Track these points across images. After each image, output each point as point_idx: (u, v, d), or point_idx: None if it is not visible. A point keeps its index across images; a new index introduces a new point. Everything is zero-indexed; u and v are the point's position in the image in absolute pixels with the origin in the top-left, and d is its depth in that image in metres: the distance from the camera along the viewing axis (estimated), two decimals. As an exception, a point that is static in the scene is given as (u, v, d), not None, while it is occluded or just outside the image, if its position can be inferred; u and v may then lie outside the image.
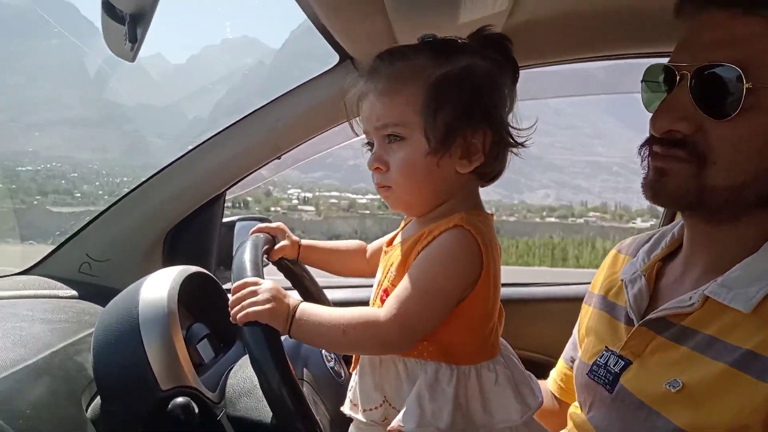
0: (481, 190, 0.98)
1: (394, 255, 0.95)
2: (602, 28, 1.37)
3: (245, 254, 0.93)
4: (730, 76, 0.74)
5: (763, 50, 0.74)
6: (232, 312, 0.84)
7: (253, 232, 1.07)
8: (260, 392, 0.81)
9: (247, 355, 0.85)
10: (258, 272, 0.89)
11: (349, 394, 0.98)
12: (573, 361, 1.14)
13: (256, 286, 0.84)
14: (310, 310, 0.85)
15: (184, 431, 0.89)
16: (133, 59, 0.87)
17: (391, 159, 0.90)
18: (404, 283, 0.86)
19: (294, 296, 0.88)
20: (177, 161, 1.52)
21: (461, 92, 0.86)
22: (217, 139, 1.51)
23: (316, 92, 1.47)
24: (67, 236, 1.51)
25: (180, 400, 0.88)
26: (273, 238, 1.09)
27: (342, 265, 1.16)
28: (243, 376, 1.02)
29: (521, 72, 0.99)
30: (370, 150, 0.95)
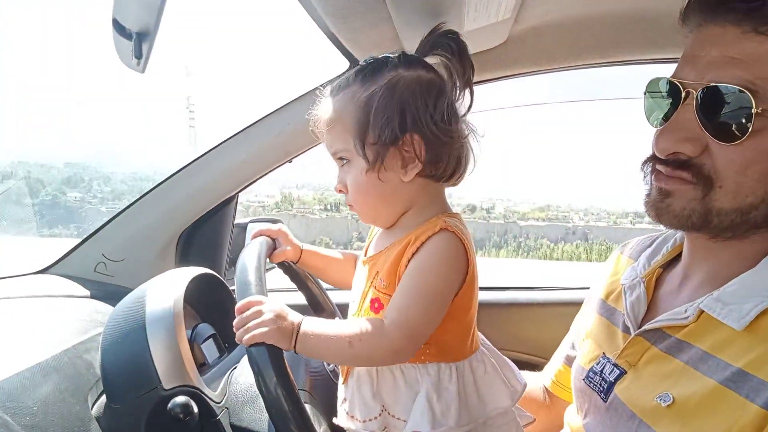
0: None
1: (379, 263, 0.96)
2: (611, 34, 1.36)
3: (248, 268, 0.92)
4: (739, 99, 0.71)
5: None
6: (237, 333, 0.84)
7: (255, 236, 1.09)
8: (263, 403, 0.82)
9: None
10: (261, 288, 0.89)
11: (344, 406, 0.98)
12: (569, 359, 1.15)
13: (260, 306, 0.84)
14: (314, 324, 0.86)
15: (184, 429, 0.91)
16: (142, 71, 0.91)
17: (347, 180, 0.97)
18: (402, 292, 0.88)
19: (295, 313, 0.88)
20: (190, 164, 1.55)
21: (385, 107, 0.90)
22: (230, 142, 1.54)
23: (325, 96, 1.49)
24: (85, 236, 1.56)
25: (179, 399, 0.91)
26: (274, 241, 1.10)
27: (337, 274, 1.18)
28: (246, 383, 1.04)
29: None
30: None
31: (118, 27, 0.77)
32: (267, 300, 0.86)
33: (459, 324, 0.94)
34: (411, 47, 1.24)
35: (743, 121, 0.71)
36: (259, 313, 0.83)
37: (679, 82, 0.78)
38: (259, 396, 0.80)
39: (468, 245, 0.91)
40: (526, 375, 1.19)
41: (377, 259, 0.98)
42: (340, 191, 0.99)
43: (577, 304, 1.21)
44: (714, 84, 0.73)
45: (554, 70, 1.48)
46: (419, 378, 0.92)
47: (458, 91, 0.97)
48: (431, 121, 0.91)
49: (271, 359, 0.80)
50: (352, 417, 0.95)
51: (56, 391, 0.92)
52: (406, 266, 0.90)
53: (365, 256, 1.05)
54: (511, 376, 1.00)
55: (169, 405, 0.90)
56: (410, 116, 0.91)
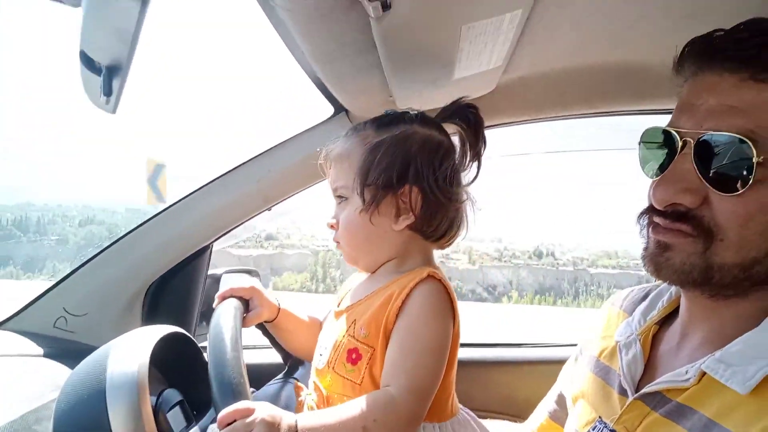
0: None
1: (357, 312, 0.95)
2: (600, 85, 1.35)
3: (225, 359, 0.82)
4: (739, 148, 0.68)
5: None
6: None
7: (222, 296, 1.02)
8: None
9: None
10: (245, 388, 0.81)
11: None
12: (553, 414, 1.11)
13: (249, 417, 0.76)
14: (313, 422, 0.80)
15: None
16: (113, 111, 0.84)
17: (340, 217, 0.99)
18: (404, 352, 0.86)
19: (286, 414, 0.80)
20: (163, 212, 1.48)
21: (392, 155, 0.94)
22: (205, 189, 1.48)
23: (309, 143, 1.45)
24: (44, 290, 1.45)
25: None
26: (247, 302, 1.05)
27: (302, 339, 1.13)
28: None
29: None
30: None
31: (86, 60, 0.70)
32: (255, 407, 0.77)
33: (445, 379, 0.92)
34: (399, 94, 1.21)
35: (744, 171, 0.68)
36: (249, 426, 0.75)
37: (675, 131, 0.75)
38: None
39: (453, 296, 0.91)
40: (507, 426, 1.13)
41: (354, 309, 0.96)
42: (332, 227, 1.01)
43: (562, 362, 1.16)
44: (712, 132, 0.70)
45: (542, 120, 1.47)
46: None
47: (467, 161, 1.00)
48: (432, 178, 0.94)
49: None
50: None
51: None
52: (396, 317, 0.88)
53: (338, 307, 1.03)
54: None
55: None
56: (414, 169, 0.94)
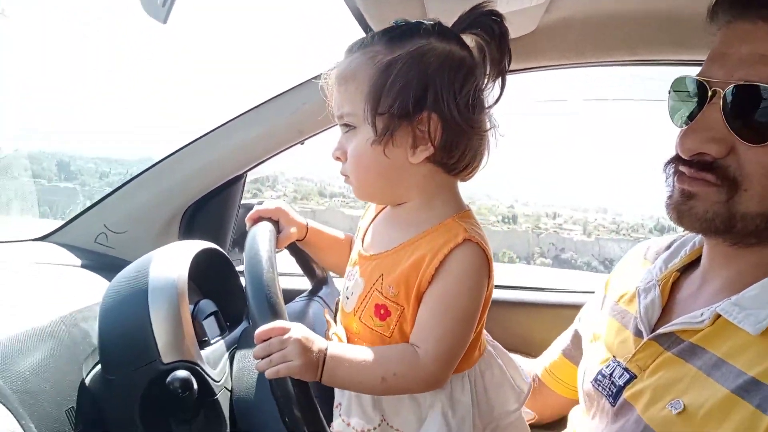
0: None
1: (384, 266, 0.88)
2: (642, 32, 1.32)
3: (262, 280, 0.82)
4: (766, 96, 0.68)
5: None
6: (258, 364, 0.78)
7: (252, 218, 1.00)
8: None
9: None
10: (282, 310, 0.82)
11: (340, 412, 0.91)
12: (567, 351, 1.15)
13: (284, 335, 0.77)
14: (341, 356, 0.81)
15: (181, 405, 0.88)
16: (164, 21, 0.86)
17: (348, 148, 0.88)
18: (436, 319, 0.83)
19: (318, 338, 0.82)
20: (200, 138, 1.51)
21: (407, 75, 0.81)
22: (241, 119, 1.49)
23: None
24: (86, 206, 1.52)
25: (180, 373, 0.87)
26: (276, 223, 1.02)
27: (336, 257, 1.10)
28: (248, 366, 1.02)
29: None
30: None
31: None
32: (291, 327, 0.79)
33: (475, 335, 0.90)
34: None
35: None
36: (284, 343, 0.77)
37: (705, 80, 0.75)
38: (263, 381, 0.77)
39: (490, 257, 0.85)
40: (518, 360, 1.16)
41: (382, 260, 0.89)
42: (338, 158, 0.90)
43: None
44: (744, 82, 0.70)
45: (582, 65, 1.44)
46: (429, 393, 0.87)
47: (488, 80, 0.88)
48: (454, 103, 0.82)
49: (297, 396, 0.76)
50: (349, 425, 0.89)
51: (50, 357, 0.89)
52: (429, 282, 0.83)
53: (362, 245, 0.97)
54: (516, 376, 0.97)
55: (169, 379, 0.86)
56: (432, 93, 0.82)
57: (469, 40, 0.89)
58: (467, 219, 0.88)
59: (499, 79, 0.88)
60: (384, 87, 0.82)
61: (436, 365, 0.81)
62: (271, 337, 0.78)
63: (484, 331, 0.98)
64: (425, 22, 0.86)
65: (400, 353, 0.83)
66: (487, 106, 0.88)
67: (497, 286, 1.73)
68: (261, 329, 0.78)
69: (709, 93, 0.74)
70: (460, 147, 0.85)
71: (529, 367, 1.24)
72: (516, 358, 1.03)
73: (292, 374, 0.76)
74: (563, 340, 1.20)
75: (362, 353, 0.83)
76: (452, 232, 0.83)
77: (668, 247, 1.01)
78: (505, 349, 1.01)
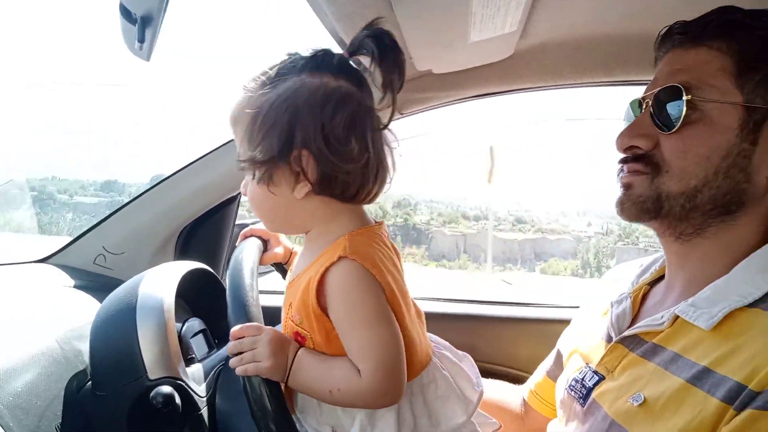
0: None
1: (291, 293, 0.89)
2: (620, 54, 1.36)
3: (242, 284, 0.88)
4: (676, 93, 0.84)
5: (707, 73, 0.84)
6: (231, 361, 0.82)
7: (245, 234, 1.06)
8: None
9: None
10: (258, 312, 0.86)
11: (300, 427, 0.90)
12: (551, 372, 1.19)
13: (257, 336, 0.82)
14: (305, 363, 0.83)
15: (166, 420, 0.91)
16: (147, 58, 0.92)
17: (247, 188, 0.90)
18: (348, 336, 0.82)
19: (292, 342, 0.85)
20: (195, 162, 1.56)
21: (275, 118, 0.81)
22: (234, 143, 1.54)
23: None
24: (87, 228, 1.58)
25: (163, 389, 0.91)
26: (266, 242, 1.08)
27: None
28: (234, 383, 1.03)
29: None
30: None
31: (124, 12, 0.78)
32: (265, 329, 0.83)
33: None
34: (417, 55, 1.26)
35: (680, 111, 0.84)
36: (255, 343, 0.81)
37: (642, 97, 0.93)
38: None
39: (373, 267, 0.81)
40: (508, 388, 1.17)
41: (290, 288, 0.91)
42: (245, 195, 0.91)
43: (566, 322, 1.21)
44: (660, 87, 0.87)
45: (560, 87, 1.48)
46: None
47: (383, 98, 0.85)
48: (321, 139, 0.81)
49: (268, 395, 0.79)
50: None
51: (43, 375, 0.93)
52: (317, 303, 0.82)
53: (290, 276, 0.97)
54: (466, 387, 0.94)
55: (152, 394, 0.90)
56: (301, 131, 0.80)
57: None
58: (359, 235, 0.85)
59: (390, 93, 0.85)
60: (254, 130, 0.82)
61: (374, 378, 0.80)
62: (244, 336, 0.82)
63: (433, 342, 0.97)
64: (305, 56, 0.85)
65: (343, 369, 0.82)
66: (379, 127, 0.86)
67: (483, 302, 1.78)
68: (235, 328, 0.83)
69: (643, 105, 0.91)
70: (338, 178, 0.84)
71: (518, 392, 1.27)
72: (503, 384, 1.03)
73: (259, 374, 0.80)
74: (548, 361, 1.23)
75: (321, 364, 0.83)
76: (335, 251, 0.82)
77: (646, 268, 1.08)
78: (456, 358, 0.98)
